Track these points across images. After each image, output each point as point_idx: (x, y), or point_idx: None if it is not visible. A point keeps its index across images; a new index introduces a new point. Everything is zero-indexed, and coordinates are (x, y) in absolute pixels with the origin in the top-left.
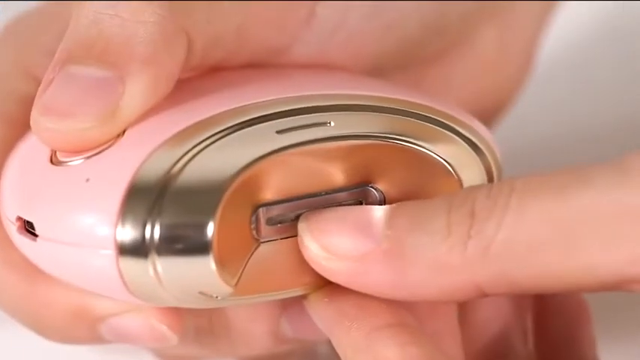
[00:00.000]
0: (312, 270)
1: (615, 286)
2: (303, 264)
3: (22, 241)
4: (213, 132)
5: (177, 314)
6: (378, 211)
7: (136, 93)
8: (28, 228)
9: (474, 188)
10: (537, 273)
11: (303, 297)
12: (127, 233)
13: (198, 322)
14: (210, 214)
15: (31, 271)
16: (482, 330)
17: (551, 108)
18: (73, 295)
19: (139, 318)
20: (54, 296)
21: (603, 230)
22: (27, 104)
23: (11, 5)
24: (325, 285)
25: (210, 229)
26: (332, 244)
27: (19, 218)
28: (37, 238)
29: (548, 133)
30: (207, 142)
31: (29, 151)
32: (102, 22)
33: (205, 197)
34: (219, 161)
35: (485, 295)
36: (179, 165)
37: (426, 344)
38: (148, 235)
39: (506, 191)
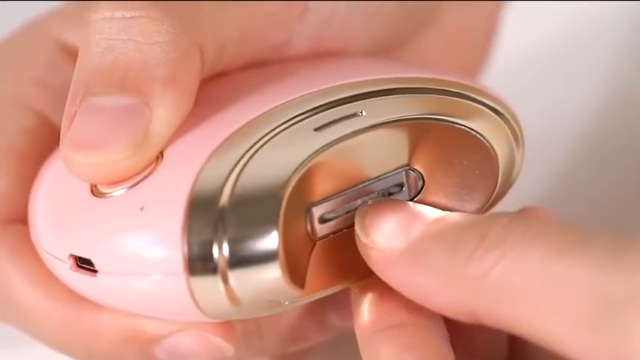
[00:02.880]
0: (363, 261)
1: None
2: (354, 257)
3: (77, 278)
4: (255, 139)
5: (230, 325)
6: (415, 211)
7: (163, 115)
8: (83, 265)
9: (498, 215)
10: (511, 319)
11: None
12: (195, 254)
13: (245, 327)
14: (273, 221)
15: (75, 300)
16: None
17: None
18: (121, 320)
19: (193, 335)
20: (102, 323)
21: (577, 311)
22: (30, 136)
23: (11, 5)
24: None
25: (275, 236)
26: (374, 236)
27: (72, 256)
28: (97, 274)
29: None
30: (252, 149)
31: (63, 185)
32: (116, 49)
33: (266, 205)
34: (270, 167)
35: (478, 322)
36: (232, 176)
37: (428, 349)
38: (216, 252)
39: (523, 229)
